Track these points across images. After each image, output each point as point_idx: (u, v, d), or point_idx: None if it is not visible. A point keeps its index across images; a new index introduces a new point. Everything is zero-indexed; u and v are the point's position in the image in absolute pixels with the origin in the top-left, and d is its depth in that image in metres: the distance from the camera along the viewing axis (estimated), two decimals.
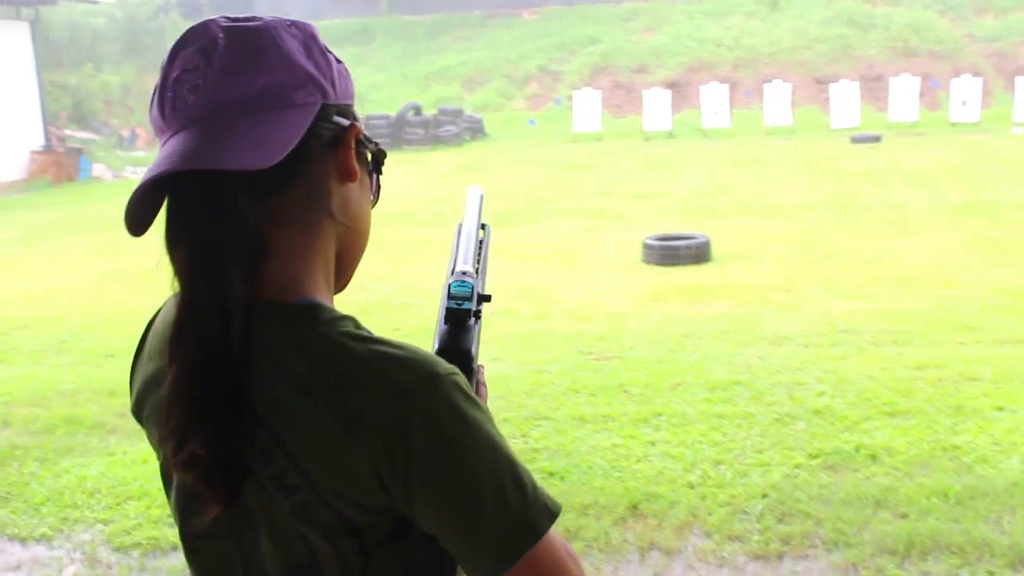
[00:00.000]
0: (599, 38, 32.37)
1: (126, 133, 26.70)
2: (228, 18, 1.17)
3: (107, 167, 23.38)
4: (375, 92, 30.72)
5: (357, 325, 1.16)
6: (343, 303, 1.21)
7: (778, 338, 7.18)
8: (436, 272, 10.49)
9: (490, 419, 1.13)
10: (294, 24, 1.20)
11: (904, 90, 24.79)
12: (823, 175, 16.99)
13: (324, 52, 1.20)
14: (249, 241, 1.11)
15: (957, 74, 25.95)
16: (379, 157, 1.28)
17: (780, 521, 4.34)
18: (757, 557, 4.08)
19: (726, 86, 26.32)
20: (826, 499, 4.52)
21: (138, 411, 1.29)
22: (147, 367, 1.27)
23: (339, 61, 1.23)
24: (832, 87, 25.64)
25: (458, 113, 26.78)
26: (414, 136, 25.45)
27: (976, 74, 25.77)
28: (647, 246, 10.39)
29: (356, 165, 1.22)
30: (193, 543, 1.24)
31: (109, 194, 19.52)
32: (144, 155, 25.30)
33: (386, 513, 1.13)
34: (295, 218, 1.17)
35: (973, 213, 12.43)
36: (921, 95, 25.02)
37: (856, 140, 22.01)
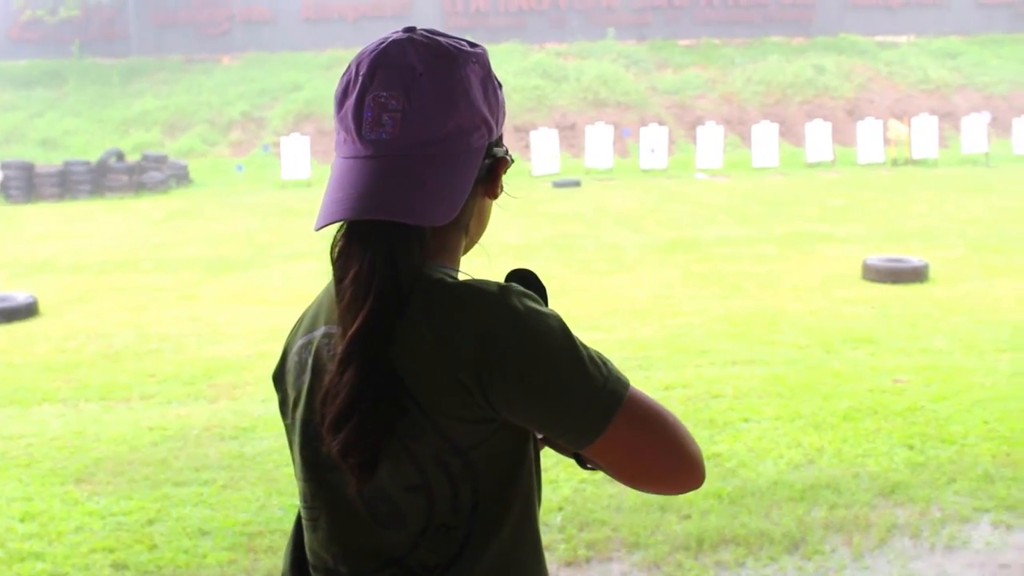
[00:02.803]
0: (302, 85, 32.35)
1: None
2: (424, 41, 1.31)
3: None
4: (70, 138, 29.38)
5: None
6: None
7: None
8: (176, 317, 10.21)
9: (556, 314, 1.32)
10: (475, 57, 1.34)
11: (598, 138, 26.38)
12: (535, 218, 17.81)
13: (495, 87, 1.36)
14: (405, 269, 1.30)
15: (644, 123, 27.88)
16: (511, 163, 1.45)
17: (581, 530, 4.69)
18: (569, 564, 4.41)
19: None
20: (616, 507, 4.91)
21: (280, 370, 1.49)
22: (300, 338, 1.47)
23: (500, 86, 1.39)
24: (533, 134, 26.86)
25: (162, 159, 26.01)
26: (117, 183, 24.47)
27: (661, 124, 27.80)
28: None
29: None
30: (317, 472, 1.40)
31: None
32: None
33: (484, 425, 1.30)
34: (440, 238, 1.36)
35: (679, 250, 13.49)
36: (613, 143, 26.68)
37: (558, 185, 23.15)
